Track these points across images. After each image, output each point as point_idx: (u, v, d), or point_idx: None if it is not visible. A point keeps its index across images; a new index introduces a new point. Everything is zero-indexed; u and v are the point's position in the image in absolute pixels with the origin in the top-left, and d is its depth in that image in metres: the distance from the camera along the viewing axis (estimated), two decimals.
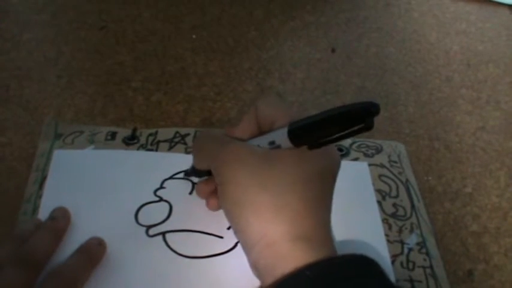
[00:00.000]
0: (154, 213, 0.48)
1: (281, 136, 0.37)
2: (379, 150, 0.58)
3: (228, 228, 0.48)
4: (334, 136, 0.35)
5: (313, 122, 0.36)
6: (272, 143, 0.38)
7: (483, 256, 0.53)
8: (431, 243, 0.51)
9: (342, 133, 0.34)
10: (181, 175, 0.52)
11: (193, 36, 0.72)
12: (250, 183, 0.37)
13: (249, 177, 0.37)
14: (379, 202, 0.53)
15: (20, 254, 0.41)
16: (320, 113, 0.36)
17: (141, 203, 0.49)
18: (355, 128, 0.33)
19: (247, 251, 0.39)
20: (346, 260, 0.36)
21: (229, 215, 0.39)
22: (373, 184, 0.54)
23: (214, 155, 0.40)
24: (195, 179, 0.51)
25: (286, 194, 0.37)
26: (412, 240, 0.50)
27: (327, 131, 0.35)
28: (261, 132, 0.42)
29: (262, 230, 0.37)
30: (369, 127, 0.32)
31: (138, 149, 0.54)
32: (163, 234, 0.47)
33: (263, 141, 0.39)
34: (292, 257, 0.36)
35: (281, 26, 0.76)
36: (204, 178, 0.48)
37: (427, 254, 0.50)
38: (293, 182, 0.37)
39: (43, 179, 0.50)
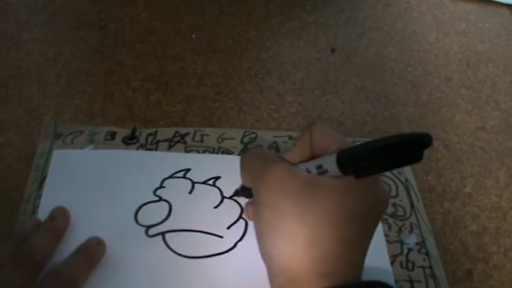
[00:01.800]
0: (153, 213, 0.48)
1: (330, 161, 0.36)
2: None
3: (228, 228, 0.48)
4: (383, 166, 0.34)
5: (363, 150, 0.35)
6: (320, 167, 0.37)
7: (482, 256, 0.53)
8: (430, 243, 0.51)
9: (391, 163, 0.34)
10: (180, 174, 0.52)
11: (193, 36, 0.72)
12: (288, 210, 0.36)
13: (288, 204, 0.36)
14: None
15: (19, 253, 0.41)
16: (371, 141, 0.35)
17: (141, 203, 0.49)
18: (406, 160, 0.33)
19: (270, 277, 0.38)
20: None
21: (260, 237, 0.39)
22: None
23: (256, 173, 0.39)
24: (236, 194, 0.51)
25: (322, 229, 0.35)
26: (411, 240, 0.50)
27: (376, 160, 0.34)
28: (313, 158, 0.41)
29: (290, 262, 0.36)
30: (418, 159, 0.32)
31: (137, 148, 0.54)
32: (162, 234, 0.47)
33: (311, 165, 0.39)
34: None
35: (280, 26, 0.76)
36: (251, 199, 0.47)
37: (427, 254, 0.50)
38: (332, 216, 0.36)
39: (42, 179, 0.50)
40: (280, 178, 0.37)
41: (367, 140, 0.59)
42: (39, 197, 0.48)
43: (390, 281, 0.47)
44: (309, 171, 0.38)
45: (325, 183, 0.36)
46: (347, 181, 0.36)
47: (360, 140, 0.59)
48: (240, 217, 0.49)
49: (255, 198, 0.39)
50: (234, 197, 0.50)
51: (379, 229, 0.50)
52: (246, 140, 0.57)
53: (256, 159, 0.41)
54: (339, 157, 0.36)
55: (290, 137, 0.58)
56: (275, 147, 0.57)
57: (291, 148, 0.43)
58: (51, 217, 0.46)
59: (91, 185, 0.50)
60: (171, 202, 0.49)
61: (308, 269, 0.35)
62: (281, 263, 0.36)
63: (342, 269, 0.36)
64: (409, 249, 0.50)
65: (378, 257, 0.48)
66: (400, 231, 0.51)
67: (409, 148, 0.32)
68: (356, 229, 0.37)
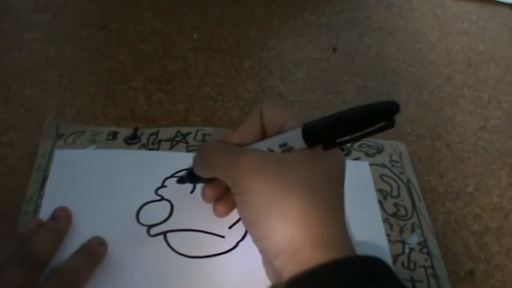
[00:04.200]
0: (155, 213, 0.48)
1: (294, 137, 0.37)
2: (380, 150, 0.58)
3: (230, 228, 0.48)
4: (353, 136, 0.35)
5: (330, 121, 0.35)
6: (284, 145, 0.38)
7: (484, 256, 0.53)
8: (432, 243, 0.51)
9: (361, 132, 0.34)
10: (182, 173, 0.52)
11: (194, 36, 0.72)
12: (274, 189, 0.37)
13: (271, 184, 0.37)
14: (380, 202, 0.53)
15: (21, 254, 0.41)
16: (337, 113, 0.35)
17: (143, 202, 0.49)
18: (376, 126, 0.33)
19: (270, 259, 0.38)
20: (362, 259, 0.37)
21: (252, 225, 0.39)
22: (375, 184, 0.54)
23: (227, 165, 0.39)
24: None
25: (310, 198, 0.36)
26: (413, 240, 0.50)
27: (344, 131, 0.35)
28: (267, 135, 0.41)
29: (289, 236, 0.36)
30: (390, 126, 0.32)
31: (139, 148, 0.54)
32: (164, 233, 0.47)
33: (274, 143, 0.39)
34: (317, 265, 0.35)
35: (282, 26, 0.76)
36: (203, 183, 0.48)
37: (429, 254, 0.50)
38: (314, 185, 0.37)
39: (44, 179, 0.50)
40: (255, 163, 0.38)
41: (368, 140, 0.59)
42: (41, 197, 0.48)
43: None
44: (272, 150, 0.39)
45: (295, 159, 0.37)
46: (312, 154, 0.37)
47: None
48: None
49: (235, 190, 0.39)
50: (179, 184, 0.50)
51: (381, 228, 0.50)
52: None
53: (221, 152, 0.41)
54: (304, 131, 0.36)
55: None
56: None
57: (238, 128, 0.42)
58: (53, 217, 0.46)
59: (93, 184, 0.50)
60: (173, 202, 0.49)
61: (308, 240, 0.36)
62: (279, 241, 0.37)
63: (335, 232, 0.37)
64: (411, 249, 0.50)
65: (379, 256, 0.48)
66: (401, 231, 0.51)
67: (376, 116, 0.32)
68: (335, 192, 0.38)
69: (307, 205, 0.36)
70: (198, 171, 0.44)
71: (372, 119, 0.33)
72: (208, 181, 0.46)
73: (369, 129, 0.33)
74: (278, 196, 0.36)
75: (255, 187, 0.37)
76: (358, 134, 0.34)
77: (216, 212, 0.47)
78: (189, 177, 0.48)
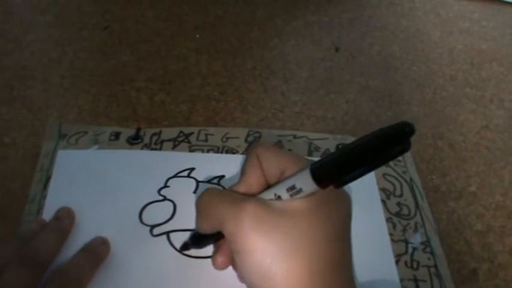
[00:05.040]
0: (158, 213, 0.48)
1: (303, 179, 0.33)
2: None
3: None
4: (367, 167, 0.30)
5: (340, 156, 0.32)
6: (292, 188, 0.34)
7: (487, 255, 0.53)
8: (435, 242, 0.51)
9: (376, 162, 0.30)
10: (185, 173, 0.52)
11: (197, 36, 0.72)
12: (278, 249, 0.33)
13: (275, 242, 0.33)
14: (383, 201, 0.53)
15: (24, 254, 0.41)
16: (345, 146, 0.32)
17: (145, 202, 0.49)
18: (392, 152, 0.29)
19: None
20: None
21: (253, 285, 0.35)
22: (377, 183, 0.54)
23: (225, 218, 0.35)
24: None
25: (317, 255, 0.33)
26: (416, 239, 0.50)
27: (357, 164, 0.30)
28: (268, 182, 0.38)
29: None
30: (406, 149, 0.29)
31: (142, 148, 0.54)
32: (167, 233, 0.47)
33: (281, 188, 0.35)
34: None
35: (284, 26, 0.76)
36: (208, 245, 0.44)
37: (432, 253, 0.50)
38: (320, 240, 0.34)
39: (47, 179, 0.50)
40: (256, 217, 0.34)
41: None
42: (44, 197, 0.48)
43: (395, 280, 0.47)
44: (279, 196, 0.35)
45: (302, 207, 0.34)
46: (320, 199, 0.34)
47: None
48: None
49: (234, 247, 0.35)
50: (184, 252, 0.46)
51: (384, 228, 0.50)
52: (250, 139, 0.57)
53: (219, 203, 0.37)
54: (313, 171, 0.33)
55: (295, 136, 0.58)
56: (279, 146, 0.57)
57: (242, 178, 0.39)
58: (56, 217, 0.46)
59: (95, 185, 0.50)
60: (176, 201, 0.49)
61: None
62: None
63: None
64: (414, 249, 0.49)
65: (382, 256, 0.48)
66: (404, 230, 0.51)
67: (390, 142, 0.29)
68: (343, 245, 0.35)
69: (313, 264, 0.33)
70: (197, 224, 0.41)
71: (386, 146, 0.29)
72: (215, 241, 0.42)
73: (384, 158, 0.30)
74: (285, 257, 0.33)
75: (254, 246, 0.34)
76: (373, 164, 0.30)
77: (215, 263, 0.41)
78: (193, 240, 0.44)
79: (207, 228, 0.39)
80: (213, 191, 0.39)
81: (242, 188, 0.39)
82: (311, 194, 0.34)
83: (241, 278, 0.37)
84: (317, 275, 0.33)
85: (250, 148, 0.39)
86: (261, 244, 0.33)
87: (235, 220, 0.34)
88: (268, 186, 0.38)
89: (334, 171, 0.32)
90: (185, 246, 0.46)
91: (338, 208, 0.36)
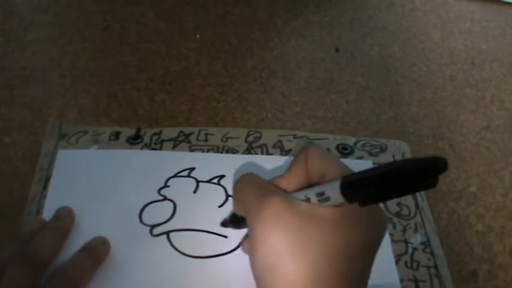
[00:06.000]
0: (158, 213, 0.48)
1: (332, 188, 0.33)
2: (383, 150, 0.58)
3: None
4: (392, 194, 0.31)
5: (371, 176, 0.32)
6: (321, 194, 0.34)
7: (487, 256, 0.53)
8: (435, 242, 0.51)
9: (401, 191, 0.30)
10: (185, 173, 0.52)
11: (197, 36, 0.72)
12: (286, 249, 0.33)
13: (285, 242, 0.33)
14: None
15: (24, 253, 0.41)
16: (379, 166, 0.32)
17: (145, 202, 0.49)
18: (420, 185, 0.29)
19: None
20: None
21: (256, 277, 0.36)
22: None
23: (251, 206, 0.36)
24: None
25: (324, 267, 0.33)
26: (416, 239, 0.50)
27: (385, 187, 0.31)
28: (308, 182, 0.39)
29: None
30: (433, 185, 0.29)
31: (142, 148, 0.54)
32: (167, 233, 0.47)
33: (312, 192, 0.36)
34: None
35: (285, 26, 0.76)
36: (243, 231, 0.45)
37: (432, 253, 0.50)
38: (334, 252, 0.33)
39: (47, 179, 0.50)
40: (277, 213, 0.34)
41: (371, 139, 0.59)
42: (44, 197, 0.48)
43: (395, 280, 0.47)
44: (309, 199, 0.35)
45: (326, 215, 0.34)
46: (349, 211, 0.34)
47: (363, 140, 0.59)
48: None
49: (250, 234, 0.36)
50: (223, 227, 0.47)
51: None
52: (250, 139, 0.57)
53: (250, 189, 0.38)
54: (342, 184, 0.33)
55: (295, 136, 0.58)
56: (280, 146, 0.57)
57: (286, 173, 0.39)
58: (56, 217, 0.46)
59: (96, 184, 0.50)
60: (176, 201, 0.49)
61: None
62: None
63: None
64: (414, 249, 0.49)
65: (382, 256, 0.48)
66: (404, 230, 0.51)
67: (421, 174, 0.29)
68: (359, 264, 0.34)
69: (318, 273, 0.32)
70: (233, 206, 0.42)
71: (417, 177, 0.29)
72: None
73: (412, 188, 0.30)
74: (290, 258, 0.33)
75: (269, 242, 0.34)
76: (400, 192, 0.30)
77: (243, 248, 0.45)
78: (232, 220, 0.45)
79: (239, 211, 0.40)
80: (250, 177, 0.40)
81: (283, 183, 0.39)
82: (339, 205, 0.34)
83: (252, 268, 0.37)
84: (321, 284, 0.32)
85: (302, 147, 0.39)
86: (273, 240, 0.33)
87: (257, 210, 0.35)
88: (308, 187, 0.38)
89: (362, 190, 0.32)
90: (224, 223, 0.46)
91: (365, 225, 0.35)
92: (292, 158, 0.55)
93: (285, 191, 0.38)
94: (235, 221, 0.44)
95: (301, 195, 0.36)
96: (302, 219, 0.34)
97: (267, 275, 0.34)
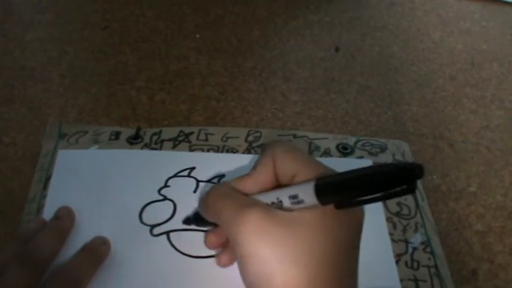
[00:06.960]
0: (158, 213, 0.48)
1: (306, 191, 0.33)
2: (383, 149, 0.58)
3: None
4: (368, 197, 0.31)
5: (346, 179, 0.32)
6: (294, 197, 0.34)
7: (487, 255, 0.53)
8: (435, 242, 0.51)
9: (378, 194, 0.30)
10: (185, 173, 0.52)
11: (197, 36, 0.72)
12: (279, 257, 0.33)
13: (274, 251, 0.33)
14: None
15: (24, 253, 0.41)
16: (354, 170, 0.32)
17: (145, 202, 0.49)
18: (395, 190, 0.29)
19: None
20: None
21: None
22: None
23: (231, 220, 0.35)
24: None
25: (317, 267, 0.33)
26: (416, 239, 0.50)
27: (361, 191, 0.31)
28: (278, 182, 0.38)
29: None
30: (410, 190, 0.29)
31: (142, 148, 0.54)
32: (167, 233, 0.47)
33: (284, 194, 0.35)
34: None
35: (284, 25, 0.76)
36: (208, 227, 0.45)
37: (432, 253, 0.50)
38: (322, 253, 0.33)
39: (47, 178, 0.50)
40: (259, 226, 0.34)
41: (371, 139, 0.59)
42: (44, 196, 0.48)
43: (395, 280, 0.47)
44: (281, 201, 0.35)
45: (307, 220, 0.34)
46: (328, 210, 0.33)
47: (363, 140, 0.59)
48: None
49: (237, 250, 0.35)
50: (185, 224, 0.47)
51: (384, 228, 0.50)
52: (250, 138, 0.57)
53: (224, 202, 0.37)
54: (317, 187, 0.33)
55: (295, 136, 0.58)
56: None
57: (251, 172, 0.39)
58: (56, 217, 0.46)
59: (96, 184, 0.50)
60: (176, 201, 0.49)
61: None
62: None
63: None
64: (414, 249, 0.49)
65: (382, 256, 0.48)
66: (405, 230, 0.51)
67: (397, 179, 0.29)
68: (348, 257, 0.35)
69: (312, 274, 0.33)
70: (203, 214, 0.41)
71: (393, 182, 0.29)
72: (216, 225, 0.43)
73: (387, 192, 0.30)
74: (281, 265, 0.33)
75: (257, 252, 0.34)
76: (375, 196, 0.30)
77: (219, 262, 0.43)
78: (195, 218, 0.45)
79: (210, 219, 0.40)
80: (223, 189, 0.39)
81: (249, 182, 0.38)
82: (314, 206, 0.33)
83: (242, 279, 0.37)
84: (317, 285, 0.33)
85: (267, 145, 0.39)
86: (262, 252, 0.33)
87: (236, 226, 0.34)
88: (276, 186, 0.38)
89: (337, 193, 0.32)
90: (187, 221, 0.47)
91: (346, 220, 0.35)
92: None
93: (248, 192, 0.38)
94: (198, 220, 0.44)
95: (272, 197, 0.36)
96: (285, 228, 0.34)
97: (263, 285, 0.34)
